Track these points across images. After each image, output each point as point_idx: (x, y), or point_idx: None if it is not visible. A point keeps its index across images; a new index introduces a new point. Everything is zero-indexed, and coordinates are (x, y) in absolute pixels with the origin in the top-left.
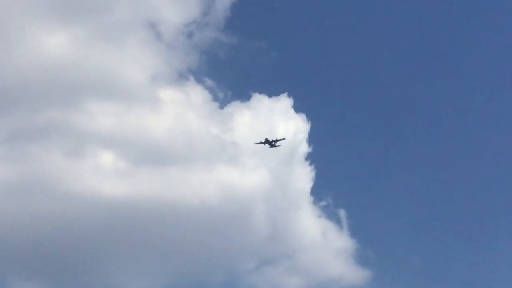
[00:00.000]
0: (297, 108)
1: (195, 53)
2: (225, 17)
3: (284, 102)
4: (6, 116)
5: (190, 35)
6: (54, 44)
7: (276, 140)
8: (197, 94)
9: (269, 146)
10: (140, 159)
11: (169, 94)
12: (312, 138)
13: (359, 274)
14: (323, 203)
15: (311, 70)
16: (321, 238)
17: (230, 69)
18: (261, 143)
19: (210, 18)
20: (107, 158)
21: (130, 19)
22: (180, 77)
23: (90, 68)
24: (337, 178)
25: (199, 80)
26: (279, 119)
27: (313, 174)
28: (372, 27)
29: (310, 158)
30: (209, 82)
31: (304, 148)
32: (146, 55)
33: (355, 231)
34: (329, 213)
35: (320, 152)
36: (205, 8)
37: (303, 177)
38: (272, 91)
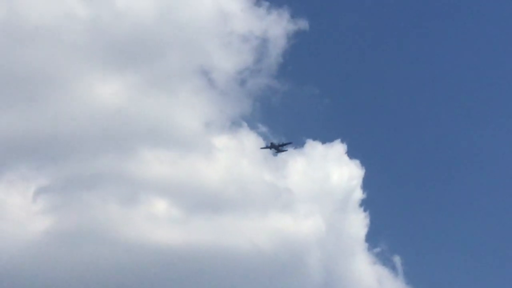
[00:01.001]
0: (351, 154)
1: (248, 100)
2: (278, 64)
3: (338, 148)
4: (61, 164)
5: (243, 82)
6: (109, 92)
7: (283, 145)
8: (251, 141)
9: (276, 151)
10: (194, 206)
11: (222, 141)
12: (366, 184)
13: None
14: (377, 249)
15: (364, 116)
16: (376, 285)
17: (284, 116)
18: (267, 147)
19: (262, 65)
20: (161, 206)
21: (183, 67)
22: (234, 124)
23: (144, 116)
24: (392, 224)
25: (252, 127)
26: (332, 165)
27: (367, 220)
28: (424, 75)
29: (364, 204)
30: (262, 128)
31: (358, 194)
32: (199, 102)
33: (411, 278)
34: (384, 260)
35: (374, 198)
36: (258, 55)
37: (358, 223)
38: (326, 138)
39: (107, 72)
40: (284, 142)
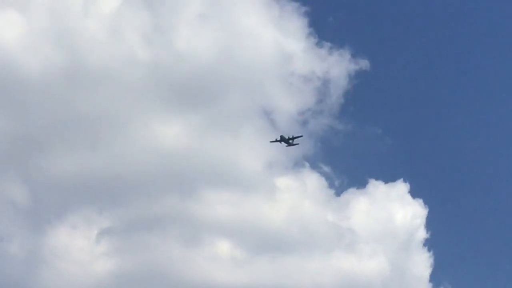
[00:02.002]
0: (414, 193)
1: (310, 140)
2: (339, 104)
3: (401, 188)
4: (124, 206)
5: (304, 122)
6: (171, 133)
7: (293, 138)
8: (313, 181)
9: (286, 144)
10: (257, 247)
11: (285, 182)
12: (430, 223)
13: None
14: None
15: (426, 155)
16: None
17: (346, 156)
18: (276, 141)
19: (324, 105)
20: (224, 247)
21: (245, 108)
22: (296, 165)
23: (206, 157)
24: (456, 263)
25: (314, 167)
26: (395, 205)
27: (431, 260)
28: (488, 113)
29: (428, 243)
30: (324, 169)
31: (422, 234)
32: (261, 143)
33: None
34: None
35: (438, 237)
36: (319, 95)
37: (421, 263)
38: (388, 177)
39: (169, 114)
40: (295, 136)
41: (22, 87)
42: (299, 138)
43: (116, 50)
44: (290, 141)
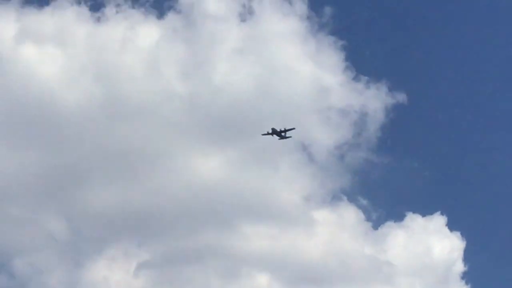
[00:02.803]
0: (452, 226)
1: (347, 173)
2: (377, 138)
3: (438, 221)
4: (162, 239)
5: (342, 156)
6: (209, 167)
7: (285, 130)
8: (351, 215)
9: (278, 137)
10: (295, 280)
11: (322, 215)
12: (468, 257)
13: None
14: None
15: (463, 188)
16: None
17: (383, 189)
18: (268, 134)
19: (361, 139)
20: (262, 280)
21: (282, 142)
22: (334, 198)
23: (244, 190)
24: None
25: (352, 201)
26: (433, 238)
27: None
28: None
29: (466, 277)
30: (362, 202)
31: (460, 267)
32: (299, 176)
33: None
34: None
35: (476, 271)
36: (357, 129)
37: None
38: (426, 210)
39: (207, 147)
40: (287, 128)
41: (61, 121)
42: (292, 130)
43: (154, 84)
44: (283, 133)
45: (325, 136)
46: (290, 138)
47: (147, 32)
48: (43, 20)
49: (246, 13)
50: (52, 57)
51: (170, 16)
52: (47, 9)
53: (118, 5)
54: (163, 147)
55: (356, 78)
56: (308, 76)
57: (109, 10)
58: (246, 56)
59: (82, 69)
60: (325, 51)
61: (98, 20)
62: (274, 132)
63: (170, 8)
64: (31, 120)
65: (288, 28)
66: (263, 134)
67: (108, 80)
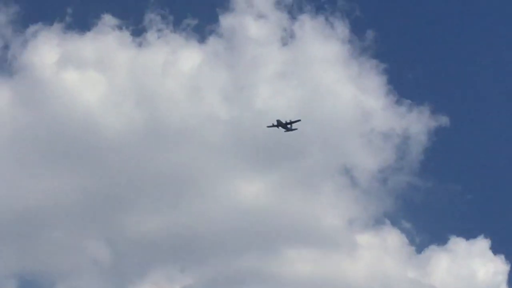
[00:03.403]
0: (495, 249)
1: (390, 197)
2: (419, 161)
3: (482, 244)
4: (205, 264)
5: (385, 180)
6: (251, 191)
7: (291, 122)
8: (394, 238)
9: (284, 130)
10: None
11: (366, 239)
12: None
13: None
14: None
15: (507, 211)
16: None
17: (426, 213)
18: (273, 126)
19: (404, 162)
20: None
21: (325, 165)
22: (377, 222)
23: (287, 214)
24: None
25: (395, 224)
26: (477, 261)
27: None
28: None
29: None
30: (405, 226)
31: None
32: (342, 200)
33: None
34: None
35: None
36: (399, 152)
37: None
38: (469, 234)
39: (249, 172)
40: (293, 120)
41: (104, 146)
42: (297, 122)
43: (195, 108)
44: (288, 126)
45: (368, 160)
46: (296, 130)
47: (189, 56)
48: (85, 45)
49: (288, 37)
50: (94, 82)
51: (212, 40)
52: (89, 35)
53: (159, 30)
54: (205, 172)
55: (398, 102)
56: (350, 99)
57: (151, 35)
58: (288, 79)
59: (124, 94)
60: (367, 75)
61: (140, 45)
62: (279, 124)
63: (212, 32)
64: (74, 145)
65: (330, 51)
66: (268, 126)
67: (150, 105)
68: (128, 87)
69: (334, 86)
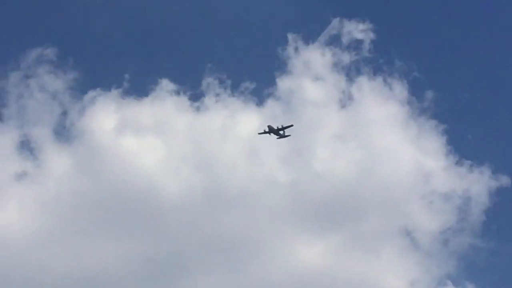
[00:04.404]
0: None
1: (452, 259)
2: (481, 222)
3: None
4: None
5: (446, 241)
6: (311, 254)
7: (283, 128)
8: None
9: (277, 136)
10: None
11: None
12: None
13: None
14: None
15: None
16: None
17: (489, 274)
18: (265, 132)
19: (465, 223)
20: None
21: (386, 227)
22: (439, 284)
23: (347, 277)
24: None
25: (458, 286)
26: None
27: None
28: None
29: None
30: (468, 287)
31: None
32: (403, 262)
33: None
34: None
35: None
36: (460, 214)
37: None
38: None
39: (309, 234)
40: (284, 126)
41: (163, 210)
42: (290, 127)
43: (254, 172)
44: (281, 132)
45: (429, 221)
46: (289, 137)
47: (247, 120)
48: (143, 110)
49: (346, 99)
50: (152, 147)
51: (270, 103)
52: (146, 100)
53: (217, 95)
54: (265, 235)
55: (458, 162)
56: (410, 160)
57: (209, 99)
58: (346, 142)
59: (183, 159)
60: (426, 135)
61: (198, 109)
62: (271, 130)
63: (270, 95)
64: (133, 209)
65: (388, 113)
66: (259, 133)
67: (208, 169)
68: (187, 151)
69: (394, 148)
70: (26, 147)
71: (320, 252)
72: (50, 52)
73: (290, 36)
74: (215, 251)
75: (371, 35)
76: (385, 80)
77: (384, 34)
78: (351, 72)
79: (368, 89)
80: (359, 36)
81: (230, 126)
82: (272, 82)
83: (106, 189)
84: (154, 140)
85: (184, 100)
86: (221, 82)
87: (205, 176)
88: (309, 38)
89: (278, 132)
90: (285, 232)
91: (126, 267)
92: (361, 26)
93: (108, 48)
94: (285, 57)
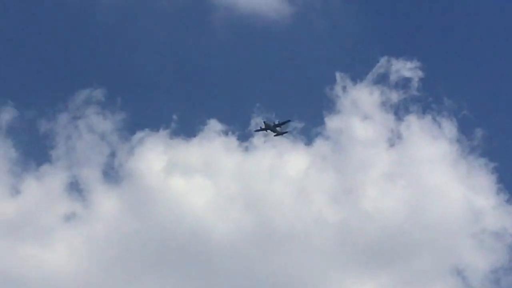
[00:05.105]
0: None
1: None
2: None
3: None
4: None
5: (497, 280)
6: None
7: (280, 124)
8: None
9: (274, 134)
10: None
11: None
12: None
13: None
14: None
15: None
16: None
17: None
18: (261, 129)
19: None
20: None
21: (436, 267)
22: None
23: None
24: None
25: None
26: None
27: None
28: None
29: None
30: None
31: None
32: None
33: None
34: None
35: None
36: None
37: None
38: None
39: (358, 274)
40: (281, 121)
41: (212, 250)
42: (287, 123)
43: (303, 212)
44: (278, 128)
45: (479, 260)
46: (287, 133)
47: (296, 160)
48: (191, 151)
49: (395, 138)
50: (201, 188)
51: (318, 142)
52: (195, 140)
53: (266, 134)
54: (314, 275)
55: (509, 201)
56: (460, 199)
57: (257, 139)
58: (395, 180)
59: (231, 199)
60: (476, 174)
61: (246, 149)
62: (267, 127)
63: (318, 134)
64: (182, 250)
65: (438, 151)
66: (256, 130)
67: (257, 209)
68: (235, 191)
69: (443, 186)
70: (75, 188)
71: None
72: (99, 93)
73: (338, 75)
74: None
75: (419, 73)
76: (434, 118)
77: (432, 72)
78: (399, 111)
79: (417, 128)
80: (407, 74)
81: (279, 165)
82: (320, 121)
83: (155, 230)
84: (203, 181)
85: (232, 140)
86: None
87: (254, 217)
88: (357, 76)
89: (275, 128)
90: (334, 271)
91: None
92: (409, 65)
93: (156, 89)
94: (333, 96)
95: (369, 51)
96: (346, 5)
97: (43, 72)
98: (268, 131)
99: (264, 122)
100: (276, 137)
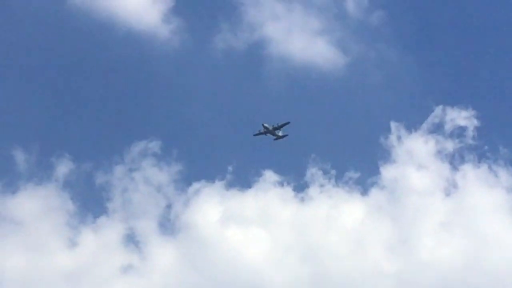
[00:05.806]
0: None
1: None
2: None
3: None
4: None
5: None
6: None
7: (279, 127)
8: None
9: (274, 137)
10: None
11: None
12: None
13: None
14: None
15: None
16: None
17: None
18: (260, 133)
19: None
20: None
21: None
22: None
23: None
24: None
25: None
26: None
27: None
28: None
29: None
30: None
31: None
32: None
33: None
34: None
35: None
36: None
37: None
38: None
39: None
40: (279, 124)
41: None
42: (286, 125)
43: (360, 262)
44: (277, 131)
45: None
46: (287, 137)
47: (352, 210)
48: (247, 202)
49: (451, 187)
50: (257, 239)
51: (374, 192)
52: (250, 191)
53: (322, 185)
54: None
55: None
56: None
57: (313, 190)
58: (452, 230)
59: (288, 250)
60: None
61: (302, 200)
62: (266, 130)
63: (374, 184)
64: None
65: (494, 200)
66: (255, 134)
67: (313, 260)
68: (291, 242)
69: (501, 235)
70: (132, 240)
71: None
72: (154, 145)
73: (393, 125)
74: None
75: (475, 122)
76: (490, 167)
77: (487, 120)
78: (455, 160)
79: (473, 177)
80: (463, 123)
81: (335, 216)
82: (376, 171)
83: (211, 282)
84: (259, 232)
85: (288, 191)
86: (325, 172)
87: (310, 267)
88: (412, 126)
89: (274, 132)
90: None
91: None
92: (464, 113)
93: (212, 140)
94: (388, 146)
95: (424, 100)
96: (400, 55)
97: (99, 124)
98: (268, 134)
99: (263, 125)
100: (276, 141)
